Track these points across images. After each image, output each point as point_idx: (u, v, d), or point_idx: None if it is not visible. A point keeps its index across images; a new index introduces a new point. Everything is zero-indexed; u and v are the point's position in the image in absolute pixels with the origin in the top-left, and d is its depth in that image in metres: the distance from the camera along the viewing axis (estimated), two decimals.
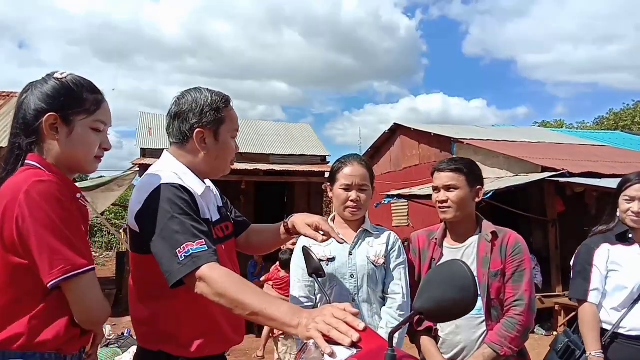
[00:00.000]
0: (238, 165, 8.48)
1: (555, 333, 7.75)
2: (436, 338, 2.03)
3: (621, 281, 2.17)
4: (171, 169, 1.57)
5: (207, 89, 1.66)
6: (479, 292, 1.95)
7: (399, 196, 10.41)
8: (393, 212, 13.39)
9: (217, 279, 1.30)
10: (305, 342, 1.18)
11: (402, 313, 1.94)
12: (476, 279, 1.08)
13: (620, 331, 2.15)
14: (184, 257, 1.34)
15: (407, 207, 12.64)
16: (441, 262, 2.04)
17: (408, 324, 1.96)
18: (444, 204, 2.04)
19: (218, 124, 1.62)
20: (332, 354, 1.07)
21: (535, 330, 8.02)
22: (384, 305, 1.98)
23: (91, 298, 1.34)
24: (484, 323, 1.97)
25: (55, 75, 1.43)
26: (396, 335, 1.88)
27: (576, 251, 2.40)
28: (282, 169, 8.45)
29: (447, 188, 2.04)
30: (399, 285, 1.98)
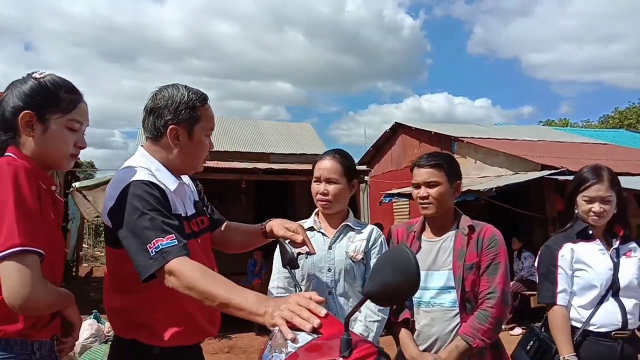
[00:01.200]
0: (237, 164, 8.52)
1: None
2: (412, 330, 2.06)
3: (589, 280, 2.17)
4: (144, 165, 1.59)
5: (185, 86, 1.66)
6: (454, 285, 2.00)
7: (400, 194, 10.43)
8: (395, 210, 13.41)
9: (186, 272, 1.34)
10: (272, 329, 1.23)
11: (381, 308, 1.97)
12: (419, 263, 1.12)
13: (591, 328, 2.14)
14: (154, 252, 1.37)
15: (408, 205, 12.67)
16: (417, 255, 2.07)
17: (387, 316, 2.01)
18: (425, 200, 2.05)
19: (193, 122, 1.62)
20: (294, 340, 1.12)
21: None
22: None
23: (16, 280, 1.27)
24: (458, 315, 1.99)
25: (34, 75, 1.48)
26: (375, 326, 1.93)
27: (539, 252, 2.36)
28: (280, 167, 8.49)
29: (428, 184, 2.05)
30: None
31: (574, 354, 2.08)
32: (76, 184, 8.62)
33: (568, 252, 2.21)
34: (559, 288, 2.18)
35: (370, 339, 1.91)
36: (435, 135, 11.72)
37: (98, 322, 5.31)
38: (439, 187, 2.04)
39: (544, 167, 8.40)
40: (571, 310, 2.20)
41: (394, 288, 1.12)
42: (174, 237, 1.40)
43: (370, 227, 2.12)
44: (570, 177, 7.97)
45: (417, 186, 2.09)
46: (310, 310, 1.15)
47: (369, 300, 1.95)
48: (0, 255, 1.26)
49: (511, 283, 8.20)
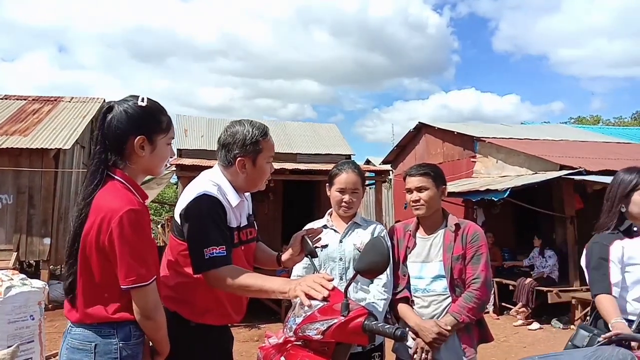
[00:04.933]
0: None
1: (573, 327, 7.96)
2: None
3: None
4: (217, 181, 1.96)
5: (250, 123, 2.00)
6: (444, 274, 2.39)
7: None
8: None
9: (227, 276, 1.78)
10: (294, 301, 1.67)
11: (386, 289, 2.40)
12: (390, 248, 1.57)
13: None
14: (208, 256, 1.78)
15: None
16: (413, 250, 2.49)
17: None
18: (417, 203, 2.45)
19: (256, 153, 1.98)
20: (310, 306, 1.58)
21: (552, 323, 8.26)
22: (371, 283, 2.42)
23: (149, 302, 1.64)
24: (449, 298, 2.39)
25: (139, 103, 1.73)
26: (382, 303, 2.39)
27: (586, 250, 2.49)
28: (307, 167, 8.91)
29: (419, 189, 2.44)
30: None
31: (621, 317, 2.14)
32: None
33: (619, 249, 2.36)
34: (613, 280, 2.30)
35: (378, 314, 2.32)
36: (457, 135, 11.94)
37: None
38: (428, 192, 2.43)
39: (562, 167, 8.60)
40: (626, 305, 2.31)
41: (374, 265, 1.61)
42: (225, 249, 1.80)
43: (374, 224, 2.55)
44: (587, 177, 8.15)
45: (410, 191, 2.49)
46: (322, 285, 1.59)
47: (375, 283, 2.42)
48: (139, 285, 1.61)
49: (527, 280, 8.48)
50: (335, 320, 1.54)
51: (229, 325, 2.14)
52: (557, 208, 9.11)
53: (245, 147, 1.96)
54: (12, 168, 9.19)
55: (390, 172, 13.72)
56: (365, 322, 1.53)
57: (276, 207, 10.69)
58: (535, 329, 8.07)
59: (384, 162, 15.36)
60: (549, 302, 8.19)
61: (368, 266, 1.62)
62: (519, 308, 8.43)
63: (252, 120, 2.04)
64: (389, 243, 2.43)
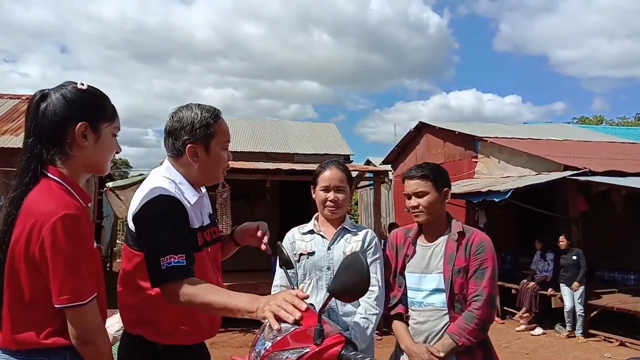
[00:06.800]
0: (262, 165, 8.80)
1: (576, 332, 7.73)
2: (407, 324, 2.22)
3: None
4: (171, 177, 1.72)
5: (198, 105, 1.77)
6: (443, 287, 2.16)
7: None
8: None
9: (186, 290, 1.51)
10: (263, 322, 1.44)
11: (377, 303, 2.17)
12: (369, 266, 1.32)
13: None
14: (165, 267, 1.52)
15: None
16: (412, 259, 2.25)
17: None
18: (416, 209, 2.21)
19: (208, 138, 1.73)
20: (279, 330, 1.33)
21: (556, 328, 8.03)
22: None
23: (88, 325, 1.40)
24: (447, 315, 2.14)
25: (79, 87, 1.51)
26: (374, 318, 2.14)
27: None
28: (303, 168, 8.70)
29: (417, 194, 2.20)
30: (375, 278, 2.17)
31: None
32: (109, 184, 9.02)
33: None
34: None
35: (370, 329, 2.12)
36: (459, 135, 11.70)
37: None
38: (428, 197, 2.19)
39: (566, 168, 8.36)
40: None
41: (351, 287, 1.34)
42: (184, 258, 1.55)
43: (365, 230, 2.32)
44: (592, 178, 7.93)
45: (409, 197, 2.25)
46: (294, 305, 1.33)
47: (367, 296, 2.18)
48: (76, 304, 1.38)
49: (530, 284, 8.23)
50: (307, 350, 1.30)
51: (205, 341, 1.86)
52: (561, 209, 8.87)
53: (194, 132, 1.73)
54: (3, 168, 8.99)
55: (390, 172, 13.47)
56: (342, 353, 1.28)
57: (273, 208, 10.47)
58: (539, 334, 7.85)
59: (384, 163, 15.11)
60: (552, 306, 7.97)
61: (344, 288, 1.36)
62: (523, 313, 8.20)
63: (200, 104, 1.80)
64: (369, 261, 2.17)
